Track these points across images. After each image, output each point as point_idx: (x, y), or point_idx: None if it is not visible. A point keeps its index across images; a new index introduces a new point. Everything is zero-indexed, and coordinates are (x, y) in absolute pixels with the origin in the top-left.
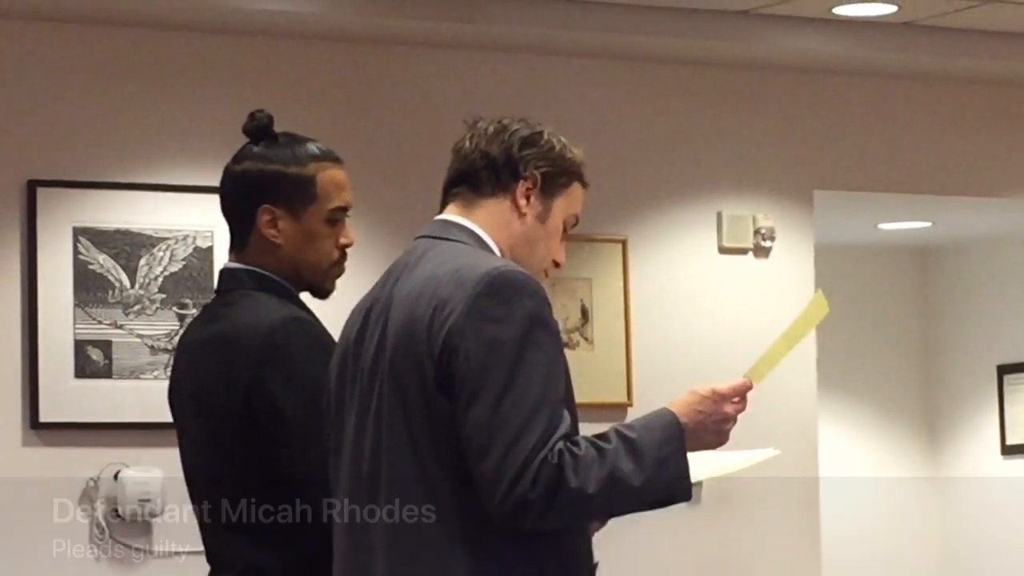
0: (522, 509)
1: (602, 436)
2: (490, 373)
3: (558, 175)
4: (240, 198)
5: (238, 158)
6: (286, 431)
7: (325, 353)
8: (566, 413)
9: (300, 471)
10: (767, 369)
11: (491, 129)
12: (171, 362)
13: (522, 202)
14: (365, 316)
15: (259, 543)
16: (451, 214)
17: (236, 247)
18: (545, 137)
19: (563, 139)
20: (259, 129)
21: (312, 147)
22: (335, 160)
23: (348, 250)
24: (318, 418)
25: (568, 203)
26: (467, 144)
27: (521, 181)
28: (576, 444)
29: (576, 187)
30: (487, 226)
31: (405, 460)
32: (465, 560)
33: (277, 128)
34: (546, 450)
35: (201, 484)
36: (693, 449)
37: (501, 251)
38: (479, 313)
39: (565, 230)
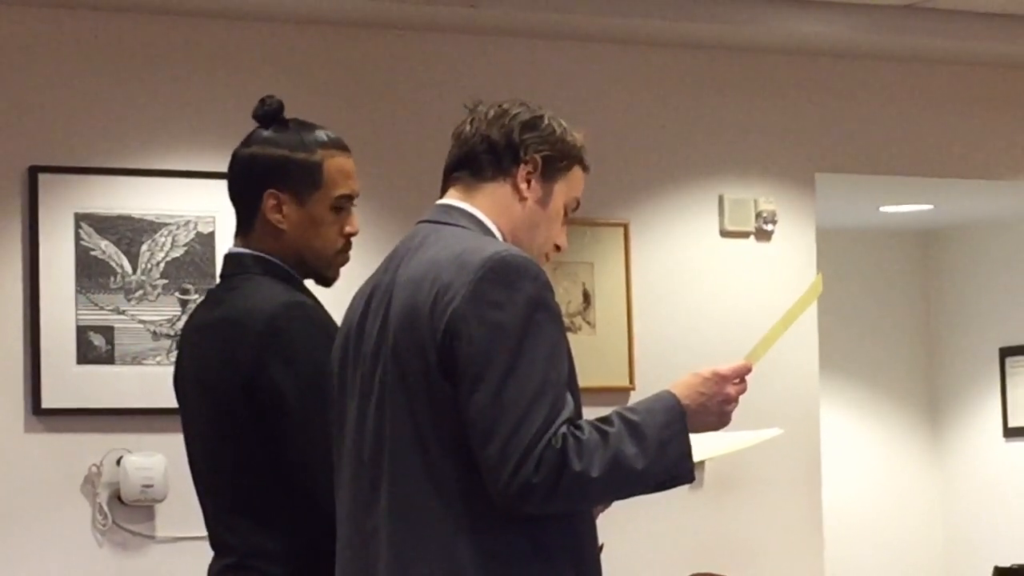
0: (526, 493)
1: (605, 419)
2: (493, 358)
3: (559, 159)
4: (246, 182)
5: (247, 142)
6: (287, 416)
7: (328, 338)
8: (569, 397)
9: (301, 455)
10: (763, 351)
11: (491, 113)
12: (173, 347)
13: (523, 186)
14: (367, 301)
15: (260, 528)
16: (452, 198)
17: (241, 231)
18: (546, 121)
19: (564, 123)
20: (269, 114)
21: (321, 134)
22: (343, 148)
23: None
24: (319, 403)
25: (569, 187)
26: (467, 128)
27: (522, 165)
28: (579, 428)
29: (577, 171)
30: (488, 210)
31: (407, 445)
32: (469, 544)
33: None
34: (549, 434)
35: (204, 468)
36: (695, 431)
37: (502, 235)
38: (481, 298)
39: (566, 214)
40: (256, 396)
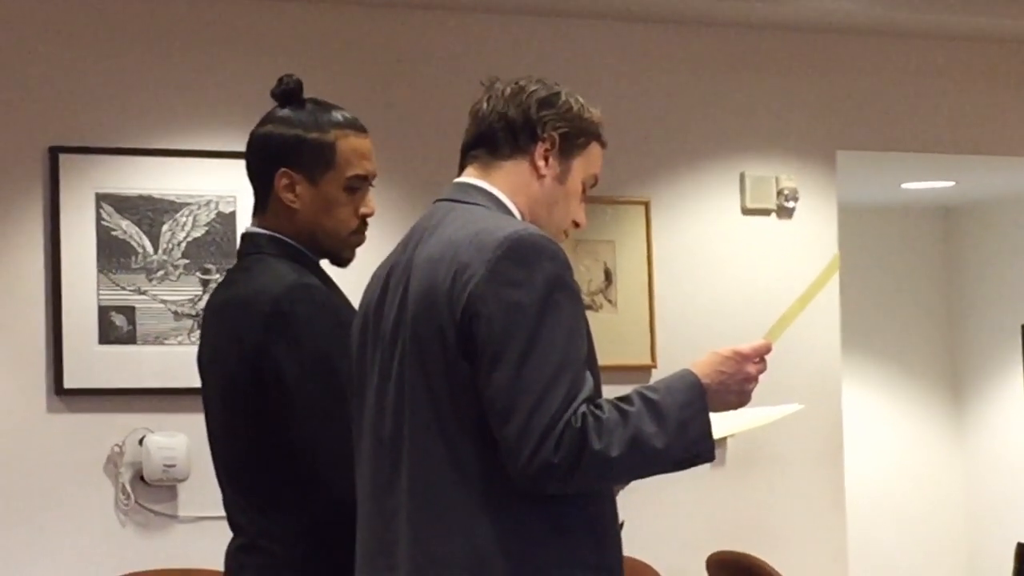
0: (545, 472)
1: (624, 398)
2: (511, 337)
3: (576, 135)
4: (261, 161)
5: (263, 121)
6: (289, 398)
7: (335, 321)
8: (588, 376)
9: (304, 438)
10: (782, 330)
11: (508, 91)
12: (195, 327)
13: (540, 163)
14: (385, 281)
15: (268, 509)
16: (470, 176)
17: (258, 211)
18: (563, 97)
19: (580, 99)
20: (286, 93)
21: (337, 114)
22: (359, 129)
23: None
24: (322, 385)
25: (587, 163)
26: (484, 106)
27: (539, 142)
28: (599, 407)
29: (595, 147)
30: (506, 188)
31: (427, 425)
32: (489, 524)
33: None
34: (569, 413)
35: (219, 449)
36: (716, 410)
37: (520, 213)
38: (499, 277)
39: (584, 190)
40: (260, 378)
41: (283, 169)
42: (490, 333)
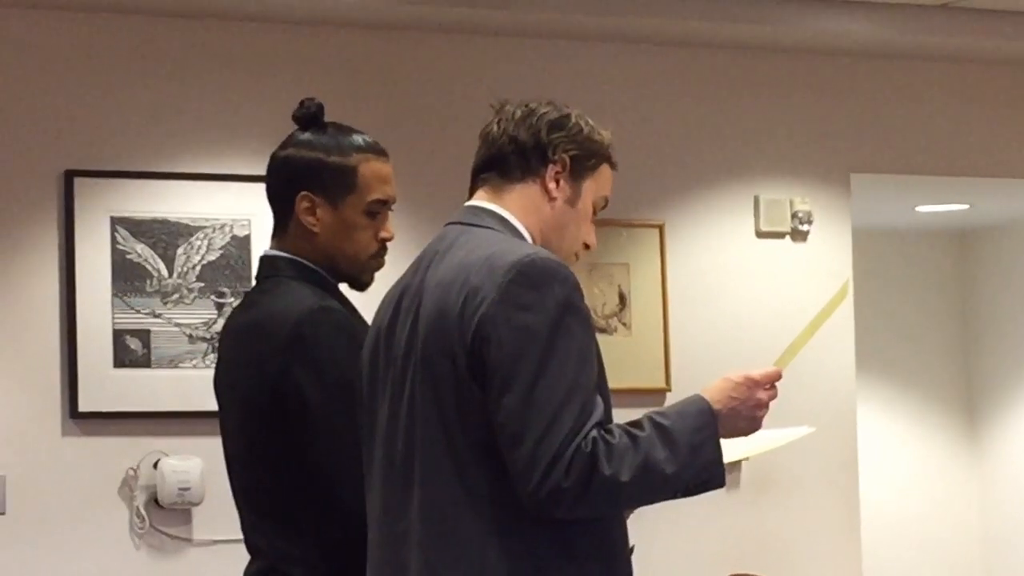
0: (556, 497)
1: (635, 423)
2: (522, 361)
3: (587, 157)
4: (281, 183)
5: (284, 144)
6: (311, 421)
7: (354, 344)
8: (599, 400)
9: (325, 461)
10: (791, 357)
11: (518, 113)
12: (209, 350)
13: (551, 186)
14: (396, 304)
15: (288, 532)
16: (481, 200)
17: (277, 233)
18: (573, 120)
19: (591, 121)
20: (307, 116)
21: (358, 138)
22: (380, 153)
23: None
24: (344, 408)
25: (598, 185)
26: (495, 129)
27: (550, 165)
28: (610, 432)
29: (605, 169)
30: (517, 211)
31: (438, 448)
32: (500, 548)
33: None
34: (580, 438)
35: (237, 471)
36: (726, 436)
37: (531, 236)
38: (510, 301)
39: (595, 212)
40: (282, 401)
41: (304, 192)
42: (500, 357)
